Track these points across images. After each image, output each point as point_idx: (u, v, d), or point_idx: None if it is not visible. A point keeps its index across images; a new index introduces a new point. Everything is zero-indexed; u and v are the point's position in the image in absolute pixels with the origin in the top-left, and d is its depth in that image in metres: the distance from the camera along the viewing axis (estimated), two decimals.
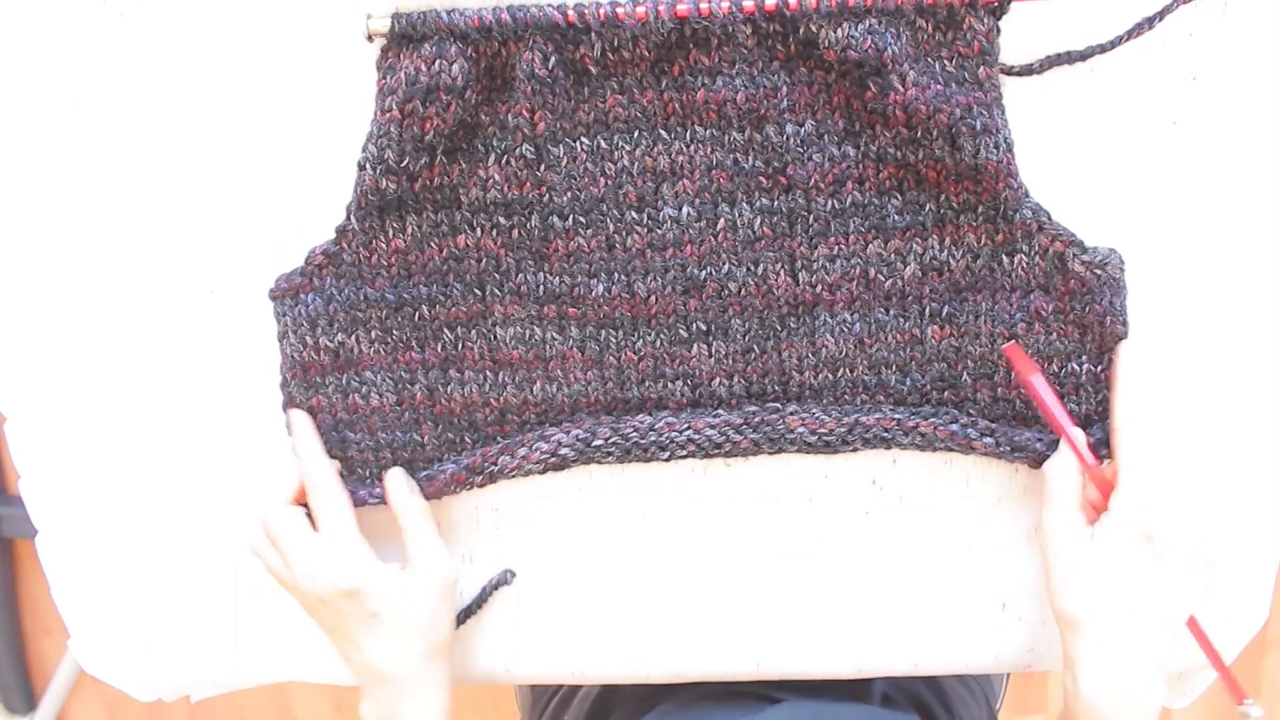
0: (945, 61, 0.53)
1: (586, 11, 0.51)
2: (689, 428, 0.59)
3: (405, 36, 0.52)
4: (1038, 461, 0.59)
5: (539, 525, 0.64)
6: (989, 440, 0.59)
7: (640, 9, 0.51)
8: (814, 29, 0.52)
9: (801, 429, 0.59)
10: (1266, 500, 0.62)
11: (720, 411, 0.60)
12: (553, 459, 0.60)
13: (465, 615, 0.65)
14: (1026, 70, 0.54)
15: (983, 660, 0.65)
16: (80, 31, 0.57)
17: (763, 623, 0.65)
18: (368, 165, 0.55)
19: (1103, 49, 0.54)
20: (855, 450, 0.60)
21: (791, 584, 0.64)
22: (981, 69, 0.53)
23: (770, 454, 0.60)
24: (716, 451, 0.59)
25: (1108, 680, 0.55)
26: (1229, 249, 0.58)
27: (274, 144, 0.58)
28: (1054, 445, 0.58)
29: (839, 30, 0.51)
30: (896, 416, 0.59)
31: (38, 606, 1.65)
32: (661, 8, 0.51)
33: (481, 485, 0.61)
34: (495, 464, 0.60)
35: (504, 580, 0.64)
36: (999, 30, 0.53)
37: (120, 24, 0.57)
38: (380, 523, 0.62)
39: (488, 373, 0.60)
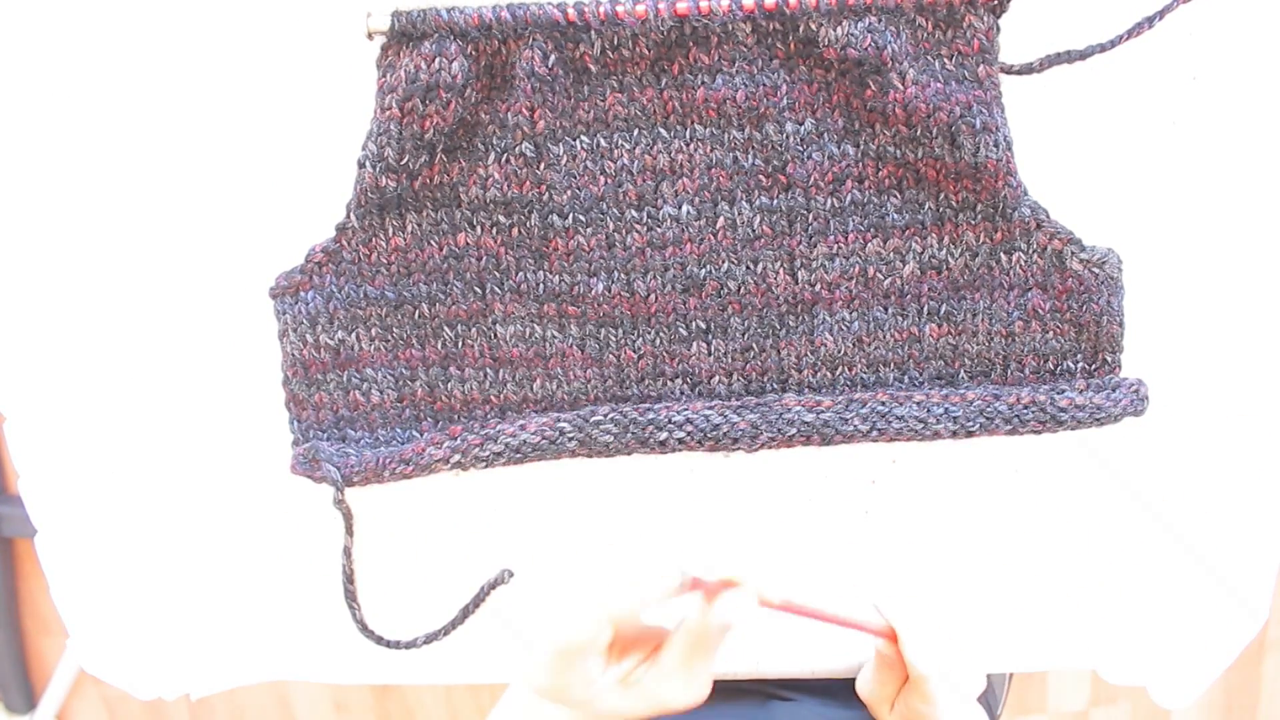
0: (945, 60, 0.53)
1: (586, 10, 0.51)
2: (687, 408, 0.59)
3: (405, 34, 0.52)
4: (1023, 426, 0.58)
5: (538, 525, 0.64)
6: (980, 392, 0.58)
7: (640, 7, 0.51)
8: (814, 27, 0.52)
9: (799, 408, 0.58)
10: (1266, 501, 0.62)
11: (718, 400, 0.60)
12: (551, 432, 0.59)
13: (464, 615, 0.65)
14: (1026, 69, 0.54)
15: (984, 661, 0.65)
16: (82, 29, 0.57)
17: (763, 622, 0.65)
18: (368, 163, 0.55)
19: (1102, 48, 0.54)
20: (854, 431, 0.59)
21: (791, 583, 0.64)
22: (981, 67, 0.53)
23: (769, 441, 0.59)
24: (715, 434, 0.59)
25: None
26: (1229, 248, 0.58)
27: (275, 141, 0.58)
28: (1039, 417, 0.58)
29: (839, 28, 0.52)
30: (891, 390, 0.59)
31: (38, 606, 1.65)
32: (661, 6, 0.51)
33: (479, 457, 0.59)
34: (494, 431, 0.59)
35: (502, 580, 0.64)
36: (999, 28, 0.53)
37: (123, 22, 0.57)
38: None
39: (488, 370, 0.60)
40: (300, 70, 0.57)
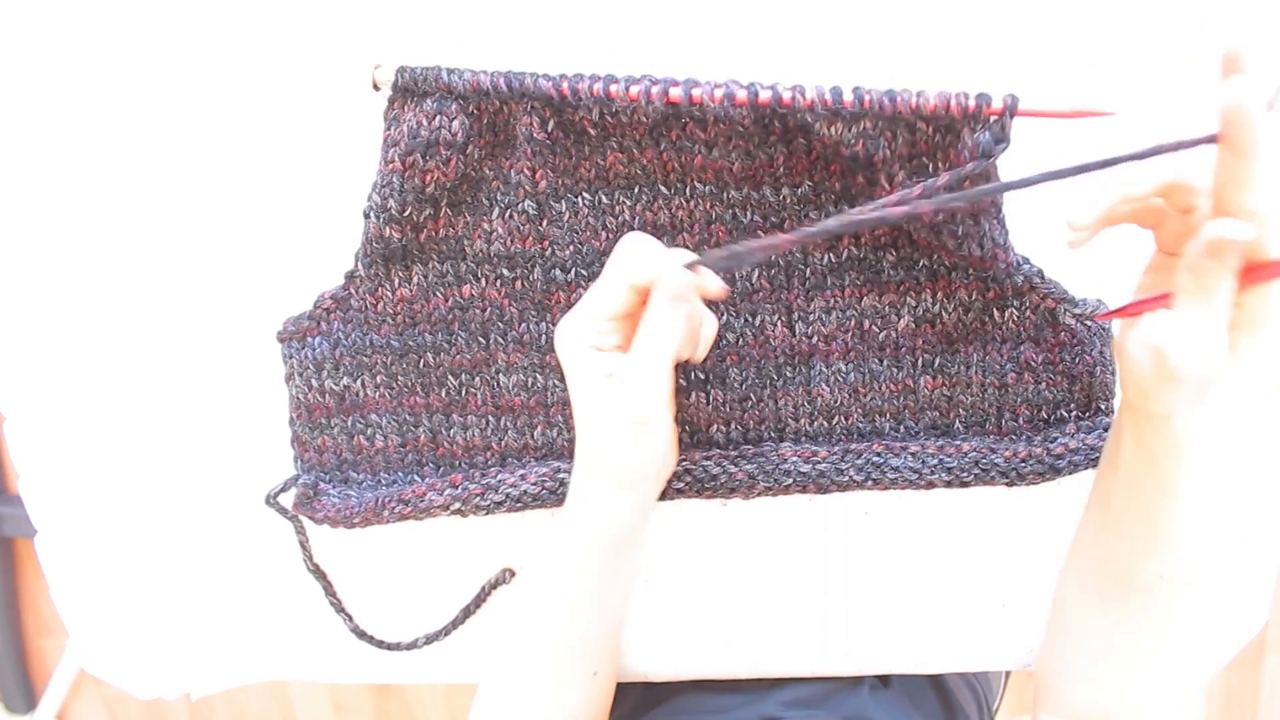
0: (939, 164, 0.51)
1: (580, 87, 0.51)
2: (685, 459, 0.60)
3: (408, 90, 0.53)
4: (1021, 479, 0.59)
5: (538, 525, 0.64)
6: (975, 444, 0.59)
7: (634, 89, 0.51)
8: (809, 119, 0.51)
9: (795, 459, 0.60)
10: (1266, 501, 0.62)
11: (716, 450, 0.60)
12: (551, 483, 0.60)
13: (464, 615, 0.65)
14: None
15: (983, 660, 0.65)
16: (103, 63, 0.58)
17: (763, 623, 0.65)
18: (372, 214, 0.55)
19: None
20: (849, 481, 0.60)
21: (791, 584, 0.64)
22: (969, 180, 0.51)
23: (766, 490, 0.60)
24: (712, 484, 0.60)
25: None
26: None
27: (289, 186, 0.59)
28: (1036, 469, 0.58)
29: (833, 128, 0.51)
30: (886, 440, 0.60)
31: (38, 606, 1.66)
32: (654, 90, 0.51)
33: (480, 506, 0.60)
34: (494, 480, 0.60)
35: (503, 580, 0.64)
36: (989, 146, 0.50)
37: (141, 64, 0.58)
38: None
39: (490, 417, 0.61)
40: (314, 117, 0.58)
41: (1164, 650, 0.50)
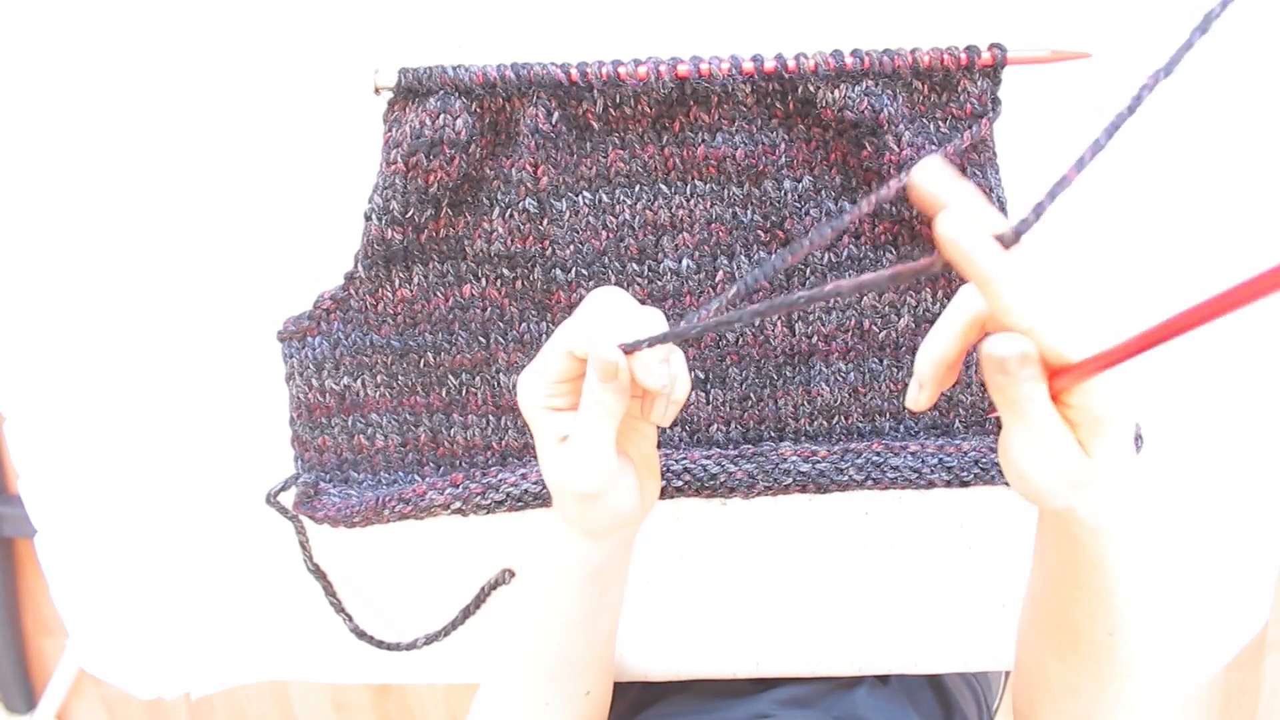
0: (940, 122, 0.54)
1: (589, 70, 0.52)
2: (685, 458, 0.60)
3: (411, 90, 0.53)
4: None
5: (538, 525, 0.64)
6: (975, 443, 0.59)
7: (642, 69, 0.52)
8: (812, 88, 0.53)
9: (795, 458, 0.60)
10: (1266, 501, 0.62)
11: (715, 449, 0.61)
12: None
13: (464, 615, 0.65)
14: (1021, 228, 0.52)
15: (983, 660, 0.65)
16: (103, 69, 0.58)
17: (763, 623, 0.65)
18: (374, 216, 0.55)
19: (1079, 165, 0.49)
20: (849, 481, 0.60)
21: (791, 584, 0.64)
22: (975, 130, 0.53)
23: (765, 490, 0.60)
24: (712, 483, 0.60)
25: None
26: (1229, 248, 0.58)
27: (289, 187, 0.59)
28: None
29: (836, 91, 0.52)
30: (886, 440, 0.60)
31: (38, 606, 1.65)
32: (662, 68, 0.52)
33: (480, 505, 0.60)
34: (495, 479, 0.60)
35: (502, 580, 0.64)
36: (993, 93, 0.53)
37: (142, 72, 0.58)
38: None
39: (490, 417, 0.61)
40: (314, 119, 0.58)
41: (1127, 689, 0.50)
